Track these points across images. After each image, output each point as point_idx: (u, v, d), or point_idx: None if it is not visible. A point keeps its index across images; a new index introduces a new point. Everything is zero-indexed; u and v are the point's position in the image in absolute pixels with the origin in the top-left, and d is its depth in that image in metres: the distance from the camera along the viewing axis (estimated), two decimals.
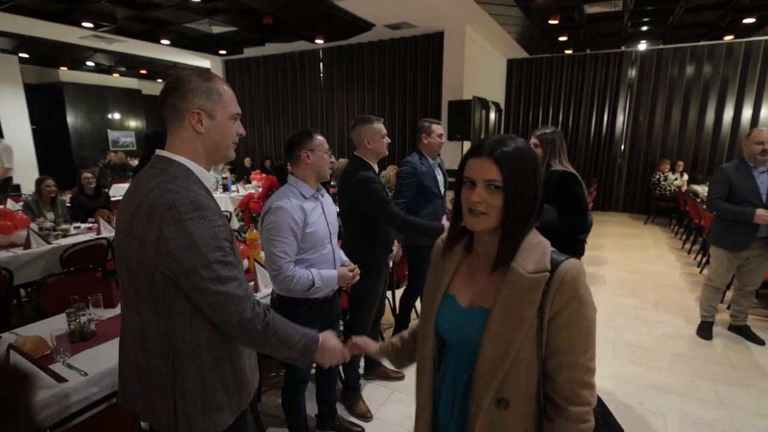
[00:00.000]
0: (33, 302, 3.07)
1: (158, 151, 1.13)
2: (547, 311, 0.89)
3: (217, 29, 6.60)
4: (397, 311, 3.25)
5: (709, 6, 5.45)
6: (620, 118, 8.38)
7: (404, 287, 3.17)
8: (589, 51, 8.28)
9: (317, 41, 7.34)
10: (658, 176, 7.47)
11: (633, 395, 2.67)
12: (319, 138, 1.89)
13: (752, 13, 5.66)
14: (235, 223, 6.09)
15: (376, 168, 2.38)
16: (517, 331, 0.89)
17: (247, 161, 9.21)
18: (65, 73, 10.16)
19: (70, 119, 10.37)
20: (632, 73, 8.17)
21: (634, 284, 4.60)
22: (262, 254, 2.83)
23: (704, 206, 4.30)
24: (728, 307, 3.64)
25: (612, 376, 2.88)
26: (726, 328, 3.49)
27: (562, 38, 7.09)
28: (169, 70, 10.19)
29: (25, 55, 8.64)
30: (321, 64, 8.27)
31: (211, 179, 1.17)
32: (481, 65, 7.40)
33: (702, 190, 6.04)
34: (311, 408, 2.27)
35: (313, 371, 2.33)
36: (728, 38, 7.10)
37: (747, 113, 7.47)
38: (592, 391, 0.94)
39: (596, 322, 0.93)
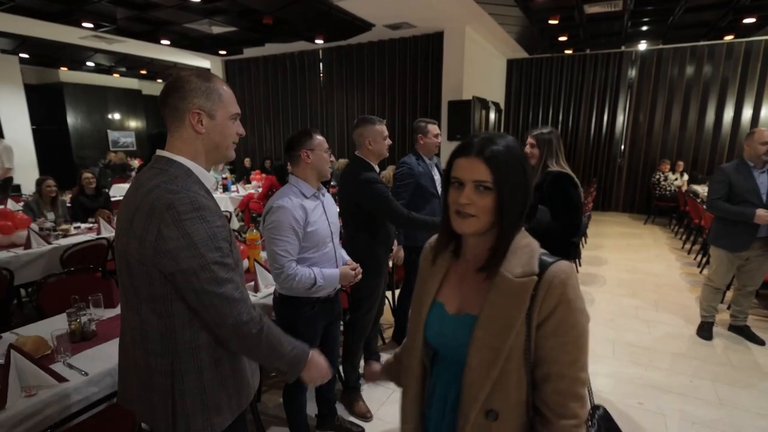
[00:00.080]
0: (33, 302, 3.08)
1: (158, 152, 1.13)
2: (535, 317, 0.84)
3: (217, 29, 6.61)
4: (395, 312, 3.25)
5: (709, 6, 5.45)
6: (620, 118, 8.38)
7: (401, 287, 3.17)
8: (589, 51, 8.29)
9: (317, 41, 7.35)
10: (658, 176, 7.47)
11: (633, 395, 2.67)
12: (319, 138, 1.90)
13: (752, 13, 5.67)
14: (235, 224, 6.09)
15: (377, 168, 2.38)
16: (504, 339, 0.84)
17: (247, 161, 9.22)
18: (65, 74, 10.16)
19: (71, 119, 10.37)
20: (632, 73, 8.17)
21: (634, 284, 4.60)
22: (263, 254, 2.84)
23: (704, 206, 4.30)
24: (728, 308, 3.64)
25: (612, 376, 2.88)
26: (726, 329, 3.49)
27: (562, 38, 7.10)
28: (169, 71, 10.20)
29: (26, 56, 8.64)
30: (321, 64, 8.28)
31: (211, 179, 1.17)
32: (480, 65, 7.40)
33: (702, 190, 6.04)
34: (311, 408, 2.27)
35: None
36: (728, 38, 7.10)
37: (747, 113, 7.48)
38: (582, 403, 0.87)
39: (588, 330, 0.88)
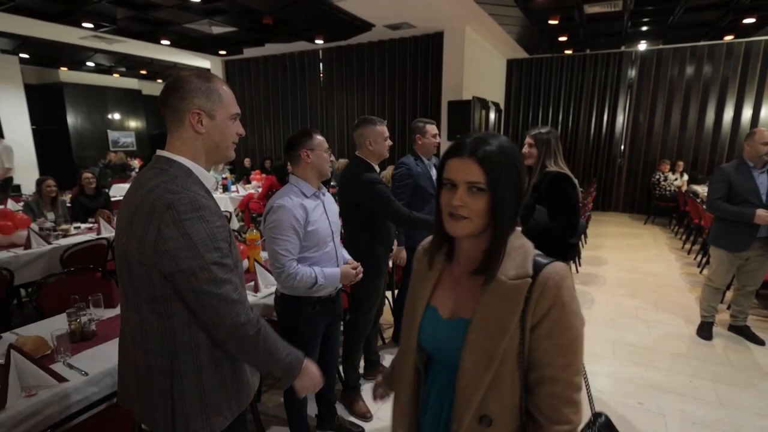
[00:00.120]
0: (33, 302, 3.08)
1: (158, 152, 1.13)
2: (529, 320, 0.82)
3: (217, 30, 6.61)
4: (395, 312, 3.25)
5: (709, 6, 5.45)
6: (620, 118, 8.38)
7: (400, 288, 3.17)
8: (589, 51, 8.29)
9: (317, 41, 7.35)
10: (658, 176, 7.47)
11: (633, 395, 2.67)
12: (319, 137, 1.91)
13: (752, 13, 5.67)
14: (235, 224, 6.09)
15: (377, 169, 2.39)
16: (498, 342, 0.83)
17: (247, 161, 9.22)
18: (65, 74, 10.17)
19: (71, 119, 10.37)
20: (632, 73, 8.18)
21: (634, 284, 4.60)
22: (263, 254, 2.85)
23: (704, 206, 4.30)
24: (728, 308, 3.64)
25: (612, 376, 2.88)
26: (726, 329, 3.49)
27: (562, 38, 7.10)
28: (169, 71, 10.20)
29: (26, 56, 8.65)
30: (321, 64, 8.28)
31: (211, 179, 1.17)
32: (480, 65, 7.40)
33: (702, 190, 6.04)
34: (311, 408, 2.27)
35: None
36: (728, 38, 7.10)
37: (747, 113, 7.48)
38: (576, 409, 0.85)
39: (583, 334, 0.86)
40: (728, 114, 7.60)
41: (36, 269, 3.40)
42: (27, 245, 3.43)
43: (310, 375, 1.27)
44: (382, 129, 2.34)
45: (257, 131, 9.40)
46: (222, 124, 1.14)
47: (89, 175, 4.79)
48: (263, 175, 7.43)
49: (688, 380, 2.82)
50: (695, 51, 7.62)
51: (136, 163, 9.95)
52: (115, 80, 11.20)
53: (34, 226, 3.74)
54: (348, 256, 2.17)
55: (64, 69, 9.98)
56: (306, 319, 1.94)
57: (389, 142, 2.39)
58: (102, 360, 1.71)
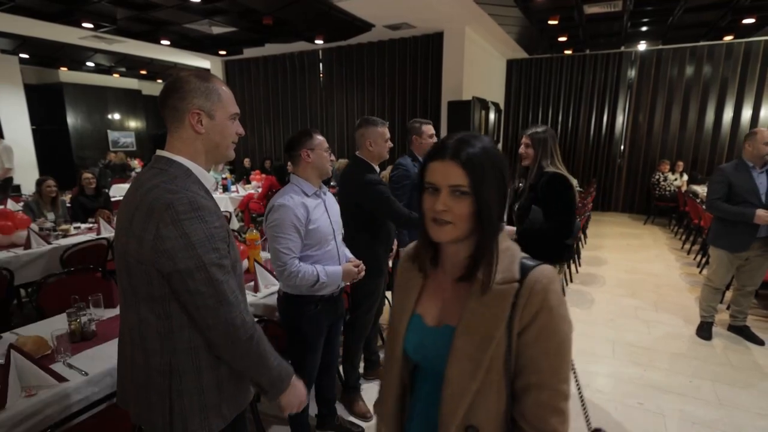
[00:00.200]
0: (33, 302, 3.08)
1: (158, 151, 1.14)
2: (516, 325, 0.80)
3: (217, 30, 6.61)
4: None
5: (708, 6, 5.45)
6: (620, 119, 8.39)
7: None
8: (589, 51, 8.29)
9: (317, 42, 7.35)
10: (657, 176, 7.48)
11: (633, 395, 2.67)
12: (319, 137, 1.92)
13: (752, 14, 5.67)
14: (235, 224, 6.09)
15: (377, 169, 2.39)
16: (485, 349, 0.80)
17: (247, 162, 9.21)
18: (65, 74, 10.16)
19: (70, 120, 10.37)
20: (632, 73, 8.18)
21: (634, 284, 4.60)
22: (263, 254, 2.85)
23: (704, 207, 4.30)
24: (728, 308, 3.64)
25: (612, 376, 2.88)
26: (726, 329, 3.50)
27: (562, 38, 7.10)
28: (169, 71, 10.20)
29: (26, 56, 8.65)
30: (321, 64, 8.28)
31: (211, 179, 1.17)
32: (480, 65, 7.41)
33: (702, 190, 6.04)
34: (311, 408, 2.27)
35: None
36: (728, 38, 7.11)
37: (747, 113, 7.48)
38: (563, 419, 0.81)
39: (571, 339, 0.83)
40: (728, 114, 7.60)
41: (36, 269, 3.40)
42: (27, 245, 3.43)
43: (297, 392, 1.27)
44: (383, 130, 2.34)
45: (257, 131, 9.40)
46: (221, 123, 1.15)
47: (89, 175, 4.79)
48: (263, 176, 7.43)
49: (688, 380, 2.83)
50: (695, 51, 7.62)
51: (136, 163, 9.95)
52: (115, 80, 11.20)
53: (34, 226, 3.74)
54: (350, 255, 2.17)
55: (64, 69, 9.98)
56: (308, 318, 1.94)
57: (390, 144, 2.39)
58: (102, 360, 1.71)
